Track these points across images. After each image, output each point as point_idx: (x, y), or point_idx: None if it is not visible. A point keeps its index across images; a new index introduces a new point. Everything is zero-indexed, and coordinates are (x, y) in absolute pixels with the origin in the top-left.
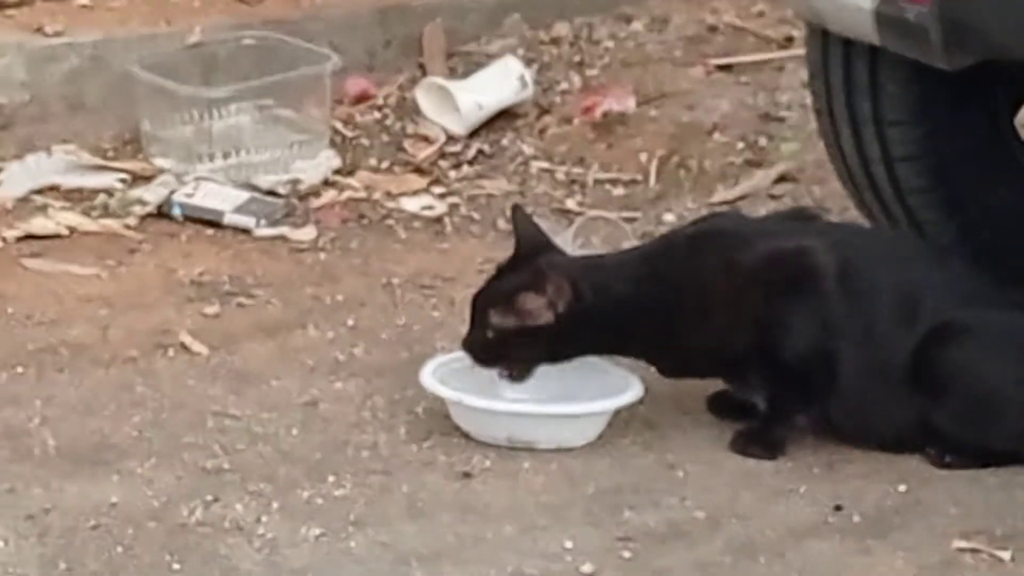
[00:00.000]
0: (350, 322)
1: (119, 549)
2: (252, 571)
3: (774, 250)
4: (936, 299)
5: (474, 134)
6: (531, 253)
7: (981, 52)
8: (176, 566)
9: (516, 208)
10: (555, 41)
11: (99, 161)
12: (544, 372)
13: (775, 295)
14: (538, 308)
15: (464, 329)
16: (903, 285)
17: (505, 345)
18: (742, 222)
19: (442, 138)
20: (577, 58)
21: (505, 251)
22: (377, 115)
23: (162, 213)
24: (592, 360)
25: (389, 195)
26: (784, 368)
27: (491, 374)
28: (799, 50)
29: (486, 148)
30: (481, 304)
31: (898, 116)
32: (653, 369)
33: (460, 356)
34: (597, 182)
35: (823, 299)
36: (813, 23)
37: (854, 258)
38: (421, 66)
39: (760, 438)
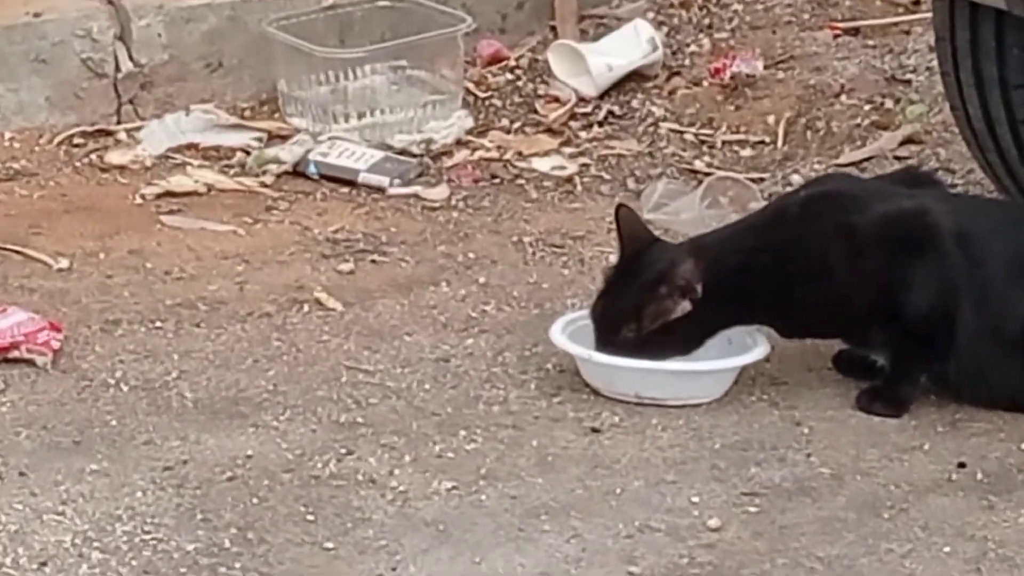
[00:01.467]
0: (481, 279)
1: (254, 501)
2: (384, 523)
3: (894, 210)
4: None
5: (604, 95)
6: (639, 252)
7: None
8: (310, 517)
9: (621, 208)
10: (684, 4)
11: (236, 120)
12: None
13: (897, 255)
14: (672, 304)
15: (593, 287)
16: (1018, 250)
17: (644, 350)
18: (854, 184)
19: (573, 99)
20: (706, 21)
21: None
22: (509, 76)
23: (297, 171)
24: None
25: (520, 155)
26: (907, 327)
27: None
28: (926, 14)
29: (616, 109)
30: (612, 322)
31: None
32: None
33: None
34: (725, 143)
35: (944, 258)
36: None
37: (970, 222)
38: (553, 28)
39: (885, 396)
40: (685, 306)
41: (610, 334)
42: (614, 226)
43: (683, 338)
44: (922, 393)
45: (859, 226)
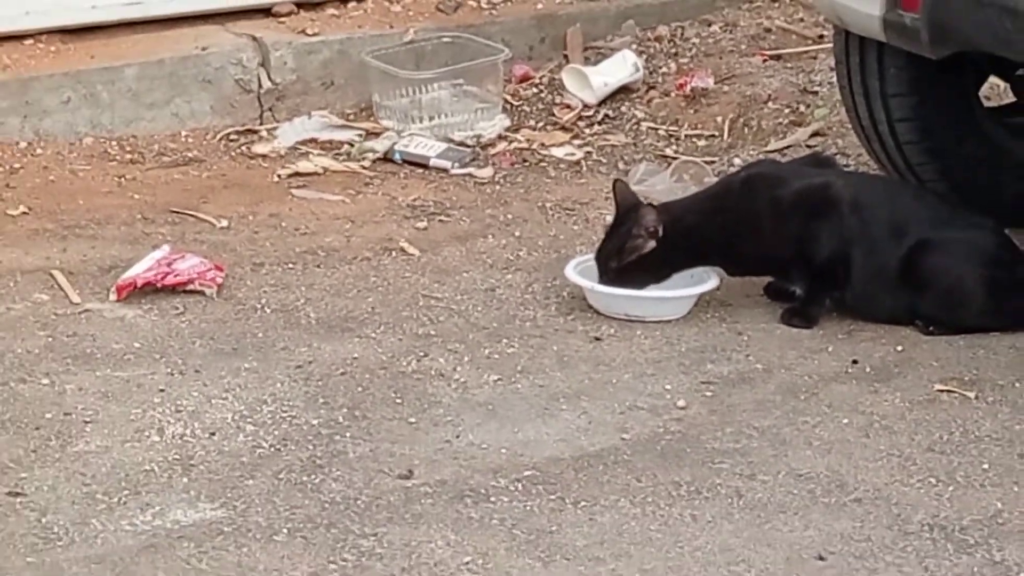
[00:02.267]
0: (516, 233)
1: (359, 389)
2: (450, 404)
3: (806, 185)
4: (918, 223)
5: (602, 103)
6: (628, 210)
7: (955, 45)
8: (398, 401)
9: (616, 182)
10: (658, 39)
11: (343, 122)
12: None
13: (809, 218)
14: (642, 241)
15: (595, 239)
16: (894, 212)
17: (626, 279)
18: (778, 167)
19: (580, 106)
20: (673, 51)
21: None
22: (535, 90)
23: (387, 158)
24: None
25: (543, 146)
26: (815, 268)
27: None
28: (828, 44)
29: (610, 113)
30: (603, 259)
31: (897, 90)
32: None
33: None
34: (687, 136)
35: (841, 219)
36: (839, 25)
37: (860, 193)
38: (565, 56)
39: (800, 313)
40: (651, 244)
41: (605, 268)
42: (611, 195)
43: (655, 271)
44: (827, 312)
45: (782, 197)
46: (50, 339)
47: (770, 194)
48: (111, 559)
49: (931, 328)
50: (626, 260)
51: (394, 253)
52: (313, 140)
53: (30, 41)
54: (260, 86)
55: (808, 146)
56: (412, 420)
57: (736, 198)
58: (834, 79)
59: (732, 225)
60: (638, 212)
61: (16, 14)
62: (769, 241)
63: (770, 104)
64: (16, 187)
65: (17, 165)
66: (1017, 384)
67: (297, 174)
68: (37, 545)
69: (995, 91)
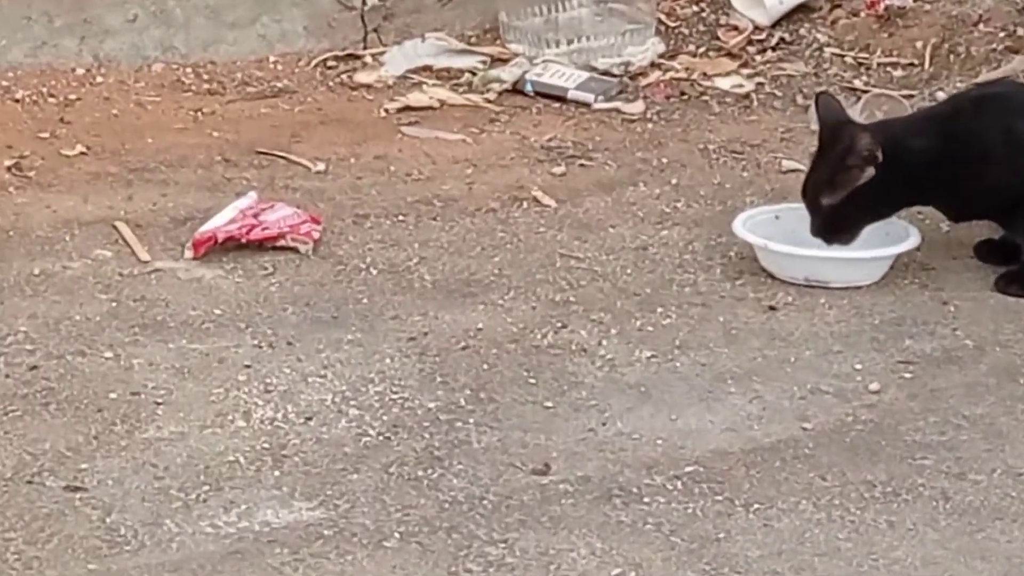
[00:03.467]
0: (673, 180)
1: (484, 366)
2: (595, 386)
3: None
4: None
5: (776, 24)
6: (837, 131)
7: None
8: (532, 381)
9: (821, 94)
10: None
11: (464, 46)
12: None
13: None
14: (858, 171)
15: (768, 188)
16: None
17: (841, 218)
18: (1017, 88)
19: (750, 28)
20: None
21: (802, 123)
22: (696, 8)
23: (516, 89)
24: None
25: (705, 75)
26: None
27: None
28: None
29: (786, 36)
30: (811, 194)
31: None
32: (928, 221)
33: (766, 209)
34: (880, 65)
35: None
36: None
37: None
38: None
39: (1019, 279)
40: (870, 172)
41: (814, 205)
42: (787, 135)
43: (871, 208)
44: None
45: (1018, 128)
46: (114, 304)
47: (1004, 123)
48: (188, 567)
49: None
50: (840, 197)
51: (525, 204)
52: (427, 68)
53: None
54: (364, 2)
55: None
56: (548, 404)
57: (964, 121)
58: None
59: (955, 153)
60: (851, 133)
61: None
62: (997, 178)
63: (981, 27)
64: (73, 122)
65: (74, 96)
66: None
67: (408, 108)
68: (100, 550)
69: None
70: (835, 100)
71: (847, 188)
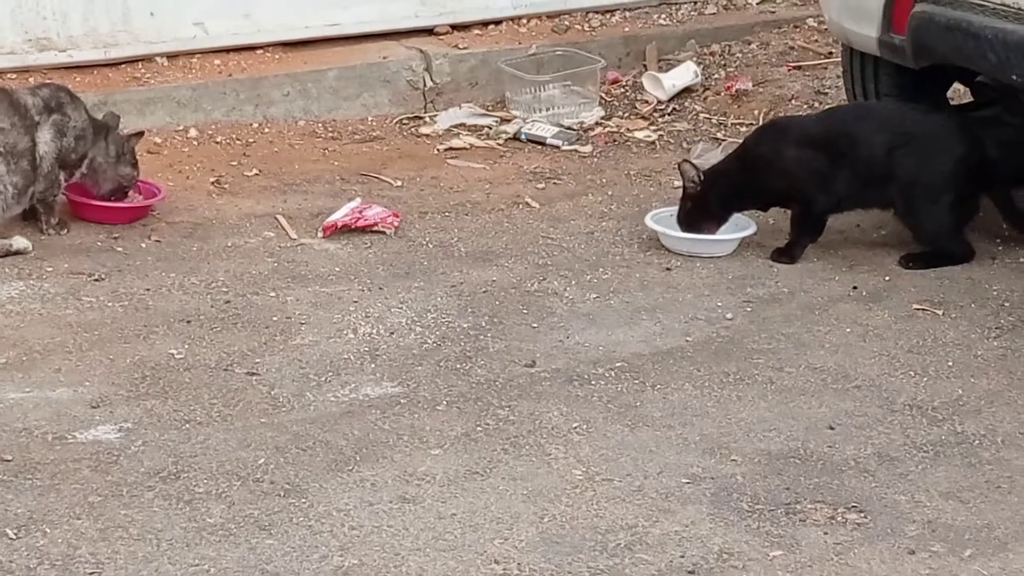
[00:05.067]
0: (609, 193)
1: (496, 302)
2: (562, 314)
3: (806, 137)
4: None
5: (671, 100)
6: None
7: (931, 59)
8: (524, 311)
9: (683, 161)
10: (712, 54)
11: (484, 112)
12: None
13: (793, 165)
14: (691, 187)
15: (665, 196)
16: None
17: (693, 216)
18: (793, 121)
19: (655, 101)
20: (723, 62)
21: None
22: (622, 90)
23: (515, 137)
24: (737, 215)
25: (628, 130)
26: (802, 208)
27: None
28: (836, 58)
29: (676, 107)
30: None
31: (887, 92)
32: (760, 217)
33: (664, 209)
34: (732, 124)
35: (801, 162)
36: (845, 44)
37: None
38: (644, 65)
39: (786, 251)
40: (696, 185)
41: (678, 214)
42: (677, 167)
43: (715, 208)
44: (833, 252)
45: (783, 144)
46: (275, 264)
47: (775, 142)
48: (320, 421)
49: (910, 264)
50: (687, 206)
51: (520, 206)
52: (462, 124)
53: (260, 51)
54: (425, 85)
55: None
56: (535, 325)
57: (747, 148)
58: (840, 83)
59: (744, 169)
60: (683, 168)
61: (251, 31)
62: (771, 184)
63: (793, 101)
64: (251, 156)
65: (251, 140)
66: (972, 304)
67: (451, 148)
68: (268, 410)
69: (957, 93)
70: (688, 162)
71: (688, 199)
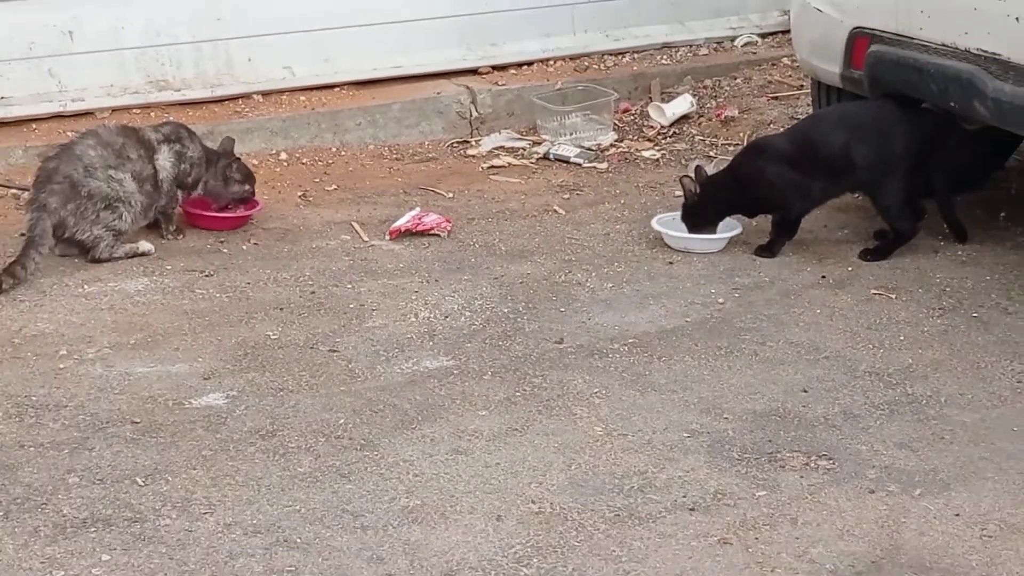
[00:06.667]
0: (622, 201)
1: (530, 291)
2: (584, 301)
3: (791, 151)
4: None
5: (672, 125)
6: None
7: (885, 90)
8: (553, 298)
9: (684, 176)
10: (705, 87)
11: (519, 136)
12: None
13: (775, 176)
14: (689, 195)
15: (668, 204)
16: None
17: (694, 219)
18: (773, 140)
19: (659, 126)
20: (714, 94)
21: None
22: (632, 117)
23: (545, 157)
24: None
25: (637, 150)
26: (783, 213)
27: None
28: (807, 90)
29: (676, 131)
30: (681, 209)
31: None
32: (746, 220)
33: (667, 214)
34: (722, 144)
35: (782, 172)
36: (814, 78)
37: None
38: (650, 97)
39: (767, 248)
40: (693, 195)
41: (682, 217)
42: (678, 180)
43: (709, 213)
44: (803, 248)
45: (763, 162)
46: (351, 261)
47: (756, 159)
48: (389, 388)
49: (868, 257)
50: (688, 210)
51: (550, 213)
52: (502, 147)
53: (337, 89)
54: (471, 115)
55: None
56: (562, 309)
57: (736, 162)
58: (810, 110)
59: (734, 180)
60: (684, 181)
61: (330, 73)
62: (755, 194)
63: (771, 125)
64: (330, 174)
65: (331, 162)
66: (920, 290)
67: (493, 167)
68: (346, 380)
69: None
70: (701, 167)
71: (689, 202)
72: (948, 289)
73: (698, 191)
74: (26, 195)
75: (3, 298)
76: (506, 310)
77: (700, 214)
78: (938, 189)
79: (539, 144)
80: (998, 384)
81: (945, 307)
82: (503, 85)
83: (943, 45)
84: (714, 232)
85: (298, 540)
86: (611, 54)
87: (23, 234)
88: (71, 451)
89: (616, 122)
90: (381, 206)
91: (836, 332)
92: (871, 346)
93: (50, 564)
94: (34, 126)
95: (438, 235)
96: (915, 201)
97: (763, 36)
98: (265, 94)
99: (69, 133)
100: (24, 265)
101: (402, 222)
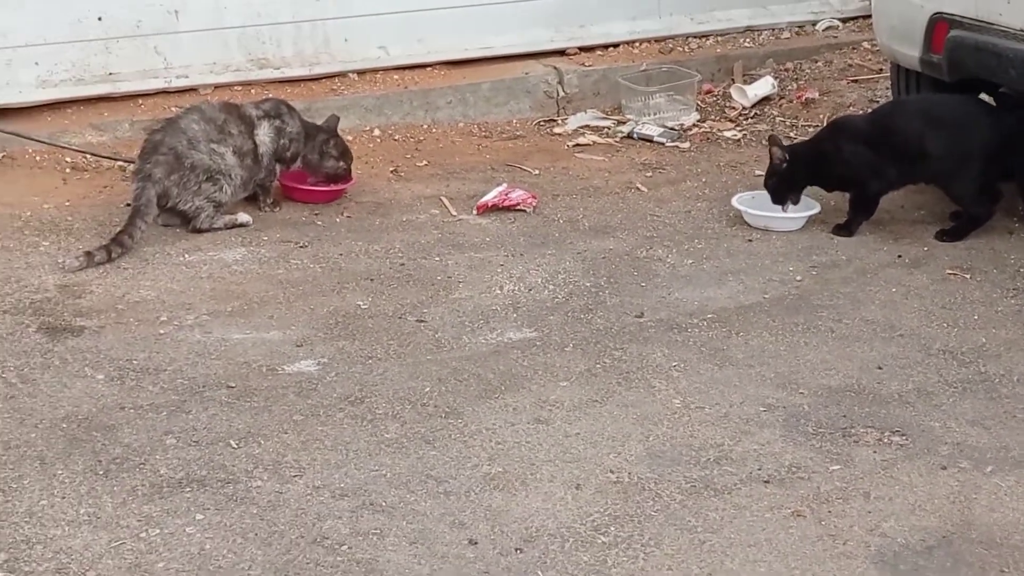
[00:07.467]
0: (703, 180)
1: (613, 266)
2: (665, 276)
3: (863, 132)
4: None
5: (754, 106)
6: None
7: (963, 74)
8: (635, 273)
9: (771, 136)
10: (787, 69)
11: (604, 115)
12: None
13: (861, 154)
14: (778, 163)
15: (748, 183)
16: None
17: (778, 190)
18: (854, 119)
19: (740, 108)
20: (795, 76)
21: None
22: (714, 98)
23: (629, 136)
24: (805, 197)
25: (719, 130)
26: (858, 192)
27: (762, 200)
28: (886, 73)
29: (757, 112)
30: (766, 181)
31: None
32: (823, 197)
33: (747, 193)
34: (802, 125)
35: (854, 153)
36: (893, 61)
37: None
38: (732, 79)
39: (845, 226)
40: (782, 165)
41: (767, 186)
42: (759, 157)
43: (792, 185)
44: (881, 228)
45: (842, 140)
46: (440, 235)
47: (836, 137)
48: (474, 358)
49: (944, 237)
50: (773, 181)
51: (632, 190)
52: (587, 126)
53: (430, 68)
54: (558, 95)
55: None
56: (643, 284)
57: (820, 138)
58: (888, 94)
59: (819, 153)
60: (771, 150)
61: (423, 53)
62: (838, 169)
63: (851, 108)
64: (421, 151)
65: (422, 138)
66: (994, 270)
67: (578, 145)
68: (433, 349)
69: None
70: (778, 138)
71: (775, 175)
72: (1022, 270)
73: (787, 158)
74: (131, 167)
75: (108, 265)
76: (588, 284)
77: (784, 182)
78: (1018, 172)
79: (623, 123)
80: None
81: (1019, 287)
82: (589, 66)
83: (1022, 31)
84: (796, 202)
85: (383, 504)
86: (695, 37)
87: (128, 204)
88: (169, 414)
89: (699, 103)
90: (469, 182)
91: (911, 311)
92: (945, 325)
93: (146, 522)
94: (140, 102)
95: (524, 210)
96: (991, 186)
97: (844, 21)
98: (360, 73)
99: (174, 108)
100: (131, 234)
101: (489, 197)
